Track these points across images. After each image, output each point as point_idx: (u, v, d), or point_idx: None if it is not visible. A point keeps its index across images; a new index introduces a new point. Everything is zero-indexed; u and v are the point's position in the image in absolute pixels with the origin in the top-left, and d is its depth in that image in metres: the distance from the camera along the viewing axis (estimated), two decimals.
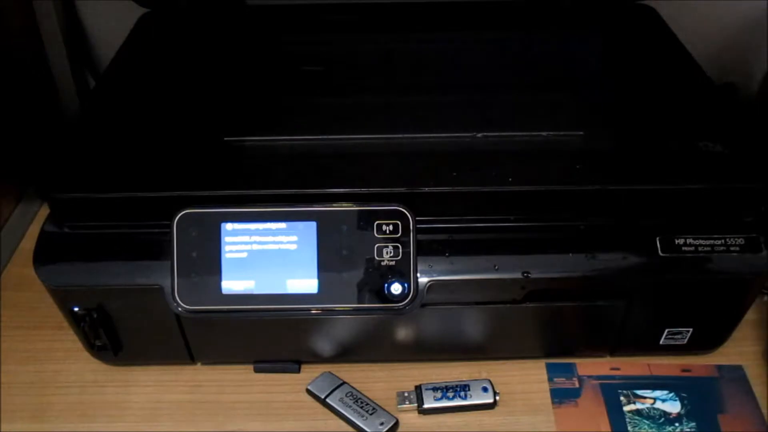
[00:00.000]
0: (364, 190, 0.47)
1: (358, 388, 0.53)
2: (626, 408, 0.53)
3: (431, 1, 0.68)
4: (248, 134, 0.51)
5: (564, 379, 0.55)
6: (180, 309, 0.47)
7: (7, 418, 0.53)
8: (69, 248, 0.48)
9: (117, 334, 0.52)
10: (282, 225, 0.47)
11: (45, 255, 0.48)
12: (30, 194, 0.72)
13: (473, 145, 0.50)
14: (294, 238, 0.47)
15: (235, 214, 0.47)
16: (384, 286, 0.47)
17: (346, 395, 0.52)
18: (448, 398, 0.52)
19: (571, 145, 0.50)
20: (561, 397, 0.53)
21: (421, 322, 0.51)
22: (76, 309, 0.49)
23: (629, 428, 0.51)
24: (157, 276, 0.47)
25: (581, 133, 0.51)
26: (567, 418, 0.52)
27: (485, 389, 0.52)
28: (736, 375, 0.55)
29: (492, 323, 0.52)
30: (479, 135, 0.50)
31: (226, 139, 0.51)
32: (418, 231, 0.47)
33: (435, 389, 0.53)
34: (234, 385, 0.54)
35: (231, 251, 0.47)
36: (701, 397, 0.53)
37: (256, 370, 0.55)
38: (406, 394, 0.53)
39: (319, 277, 0.47)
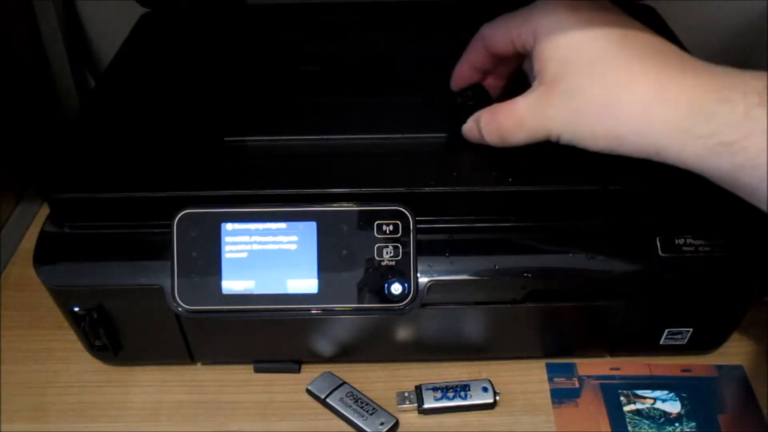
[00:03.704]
0: (364, 190, 0.47)
1: (358, 388, 0.53)
2: (626, 408, 0.53)
3: (432, 1, 0.68)
4: (248, 134, 0.51)
5: (564, 379, 0.55)
6: (180, 309, 0.47)
7: (7, 418, 0.53)
8: (69, 248, 0.48)
9: (117, 334, 0.52)
10: (282, 225, 0.47)
11: (45, 255, 0.48)
12: (30, 194, 0.72)
13: (473, 145, 0.50)
14: (294, 238, 0.47)
15: (235, 214, 0.47)
16: (384, 286, 0.47)
17: (346, 395, 0.52)
18: (448, 398, 0.52)
19: (571, 145, 0.50)
20: (561, 397, 0.53)
21: (421, 322, 0.51)
22: (76, 309, 0.49)
23: (629, 428, 0.51)
24: (157, 276, 0.47)
25: None
26: (567, 418, 0.52)
27: (485, 389, 0.52)
28: (736, 375, 0.55)
29: (492, 323, 0.52)
30: None
31: (226, 139, 0.51)
32: (418, 231, 0.47)
33: (435, 389, 0.53)
34: (234, 385, 0.54)
35: (231, 251, 0.47)
36: (701, 397, 0.53)
37: (256, 370, 0.55)
38: (406, 394, 0.53)
39: (319, 277, 0.47)
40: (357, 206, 0.47)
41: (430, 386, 0.53)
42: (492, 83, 0.51)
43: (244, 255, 0.47)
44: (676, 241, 0.48)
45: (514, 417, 0.52)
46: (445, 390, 0.53)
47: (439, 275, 0.47)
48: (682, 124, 0.37)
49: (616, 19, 0.41)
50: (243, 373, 0.55)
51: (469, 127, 0.47)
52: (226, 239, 0.47)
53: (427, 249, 0.47)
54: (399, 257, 0.47)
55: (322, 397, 0.52)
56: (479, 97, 0.51)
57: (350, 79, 0.59)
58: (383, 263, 0.47)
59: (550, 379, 0.55)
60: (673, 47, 0.40)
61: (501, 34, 0.45)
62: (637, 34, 0.40)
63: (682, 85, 0.37)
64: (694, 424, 0.52)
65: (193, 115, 0.53)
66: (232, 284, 0.47)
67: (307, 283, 0.47)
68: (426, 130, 0.51)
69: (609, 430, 0.51)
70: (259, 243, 0.47)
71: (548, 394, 0.54)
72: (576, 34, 0.40)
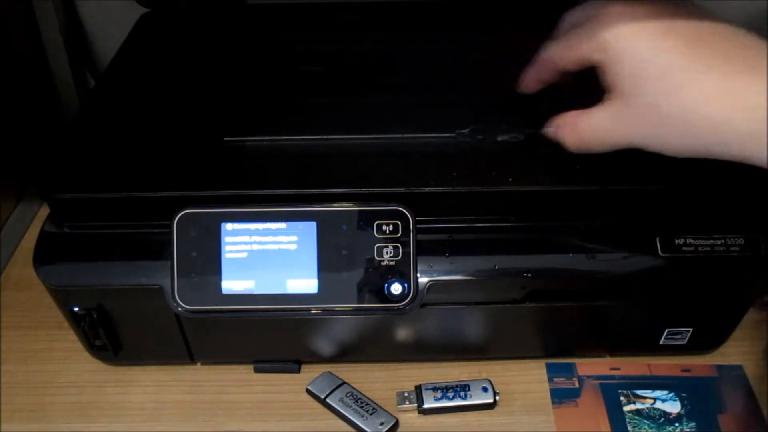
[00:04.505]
0: (364, 190, 0.47)
1: (358, 388, 0.53)
2: (626, 408, 0.53)
3: (432, 1, 0.68)
4: (248, 134, 0.51)
5: (564, 379, 0.55)
6: (180, 309, 0.47)
7: (7, 418, 0.53)
8: (69, 248, 0.48)
9: (117, 334, 0.52)
10: (282, 225, 0.47)
11: (45, 255, 0.48)
12: (30, 194, 0.72)
13: (473, 145, 0.50)
14: (294, 238, 0.47)
15: (235, 214, 0.47)
16: (384, 286, 0.47)
17: (346, 395, 0.52)
18: (448, 398, 0.52)
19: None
20: (561, 397, 0.53)
21: (421, 322, 0.51)
22: (76, 309, 0.49)
23: (629, 428, 0.51)
24: (157, 276, 0.47)
25: None
26: (567, 418, 0.52)
27: (485, 389, 0.52)
28: (736, 375, 0.55)
29: (492, 323, 0.52)
30: (479, 135, 0.50)
31: (226, 139, 0.51)
32: (418, 231, 0.47)
33: (435, 389, 0.53)
34: (234, 385, 0.55)
35: (231, 251, 0.47)
36: (701, 397, 0.53)
37: (256, 370, 0.55)
38: (406, 394, 0.53)
39: (319, 277, 0.47)
40: (357, 206, 0.47)
41: (430, 386, 0.53)
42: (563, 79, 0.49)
43: (244, 255, 0.47)
44: (676, 241, 0.48)
45: (514, 417, 0.52)
46: (445, 390, 0.53)
47: (439, 275, 0.47)
48: (764, 133, 0.36)
49: (682, 20, 0.39)
50: (243, 373, 0.55)
51: (551, 132, 0.46)
52: (226, 239, 0.47)
53: (427, 249, 0.47)
54: (399, 257, 0.47)
55: (322, 397, 0.52)
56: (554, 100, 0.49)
57: (350, 79, 0.59)
58: (383, 263, 0.47)
59: (550, 379, 0.55)
60: (737, 35, 0.39)
61: (565, 55, 0.44)
62: (702, 36, 0.39)
63: (756, 93, 0.36)
64: (694, 424, 0.52)
65: (193, 115, 0.53)
66: (232, 284, 0.47)
67: (307, 283, 0.47)
68: (426, 130, 0.51)
69: (609, 430, 0.51)
70: (259, 243, 0.47)
71: (548, 394, 0.54)
72: (643, 48, 0.39)
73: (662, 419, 0.52)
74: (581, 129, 0.43)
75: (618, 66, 0.40)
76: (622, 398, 0.53)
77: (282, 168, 0.49)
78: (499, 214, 0.48)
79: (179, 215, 0.46)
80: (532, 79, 0.48)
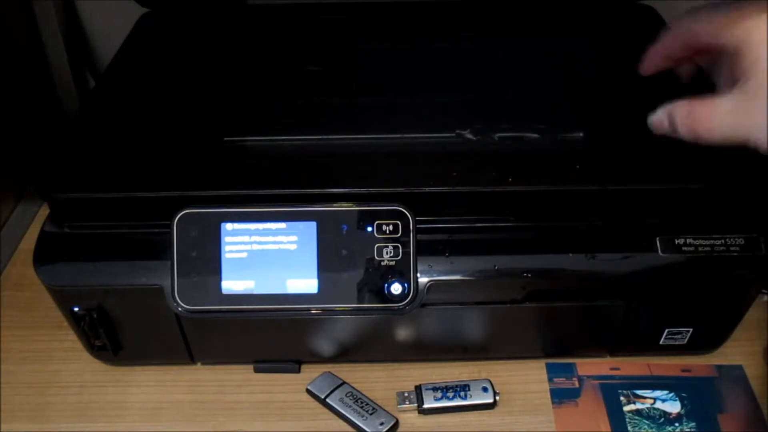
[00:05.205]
0: (364, 190, 0.47)
1: (358, 388, 0.53)
2: (626, 408, 0.53)
3: (431, 1, 0.68)
4: (248, 134, 0.51)
5: (564, 379, 0.55)
6: (180, 309, 0.47)
7: (7, 418, 0.53)
8: (69, 248, 0.48)
9: (117, 334, 0.52)
10: (282, 225, 0.47)
11: (45, 255, 0.48)
12: (30, 194, 0.72)
13: (473, 145, 0.50)
14: (294, 238, 0.47)
15: (235, 214, 0.47)
16: (384, 286, 0.47)
17: (346, 395, 0.52)
18: (448, 398, 0.52)
19: (571, 145, 0.50)
20: (561, 397, 0.53)
21: (421, 322, 0.51)
22: (76, 309, 0.49)
23: (629, 428, 0.51)
24: (157, 276, 0.47)
25: (581, 133, 0.51)
26: (567, 418, 0.52)
27: (485, 389, 0.52)
28: (736, 375, 0.55)
29: (492, 323, 0.52)
30: (478, 135, 0.50)
31: (226, 139, 0.51)
32: (418, 231, 0.47)
33: (435, 389, 0.53)
34: (234, 385, 0.55)
35: (231, 251, 0.47)
36: (701, 397, 0.53)
37: (256, 370, 0.55)
38: (406, 394, 0.53)
39: (319, 277, 0.47)
40: (357, 206, 0.47)
41: (430, 386, 0.53)
42: (683, 72, 0.49)
43: (244, 255, 0.47)
44: (676, 241, 0.48)
45: (514, 417, 0.52)
46: (445, 390, 0.53)
47: (439, 275, 0.47)
48: None
49: None
50: (243, 373, 0.55)
51: (658, 118, 0.44)
52: (226, 239, 0.47)
53: (427, 249, 0.47)
54: (399, 257, 0.47)
55: (322, 397, 0.52)
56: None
57: (350, 79, 0.59)
58: (383, 263, 0.47)
59: (550, 379, 0.55)
60: None
61: (705, 29, 0.42)
62: None
63: None
64: (694, 424, 0.52)
65: (193, 115, 0.53)
66: (232, 284, 0.47)
67: (307, 283, 0.47)
68: (426, 130, 0.51)
69: (609, 430, 0.51)
70: (259, 243, 0.47)
71: (548, 394, 0.54)
72: None
73: (662, 419, 0.52)
74: (699, 117, 0.41)
75: (748, 61, 0.39)
76: (622, 398, 0.53)
77: (282, 168, 0.49)
78: (499, 214, 0.48)
79: (179, 215, 0.46)
80: (659, 52, 0.47)
